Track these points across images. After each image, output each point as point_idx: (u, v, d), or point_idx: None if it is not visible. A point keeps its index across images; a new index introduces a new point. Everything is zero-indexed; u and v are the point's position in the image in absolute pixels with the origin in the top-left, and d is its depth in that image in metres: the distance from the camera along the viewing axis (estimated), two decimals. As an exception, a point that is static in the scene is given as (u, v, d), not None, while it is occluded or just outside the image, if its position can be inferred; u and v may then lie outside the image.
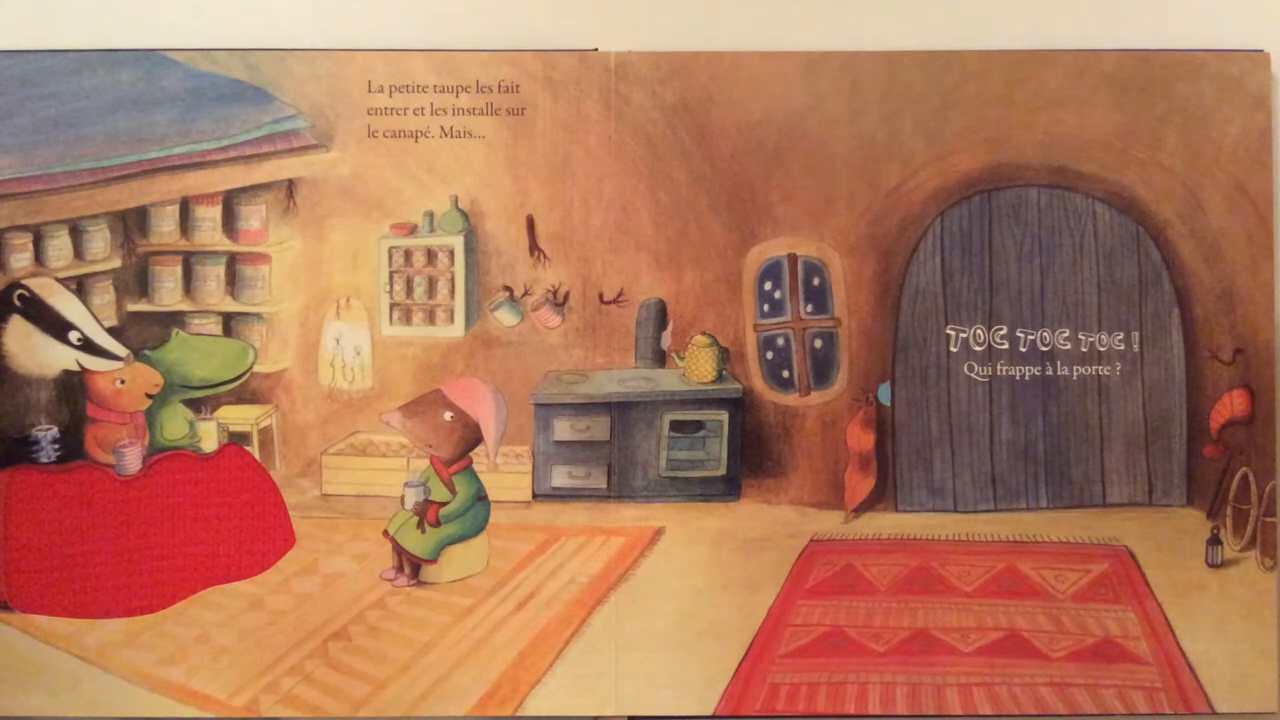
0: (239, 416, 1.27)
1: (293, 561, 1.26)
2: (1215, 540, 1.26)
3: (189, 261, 1.29)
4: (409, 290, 1.28)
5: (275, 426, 1.27)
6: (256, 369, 1.27)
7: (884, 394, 1.27)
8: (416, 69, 1.26)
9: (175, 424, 1.27)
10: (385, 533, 1.27)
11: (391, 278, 1.28)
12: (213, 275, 1.29)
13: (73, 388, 1.26)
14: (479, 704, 1.23)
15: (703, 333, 1.28)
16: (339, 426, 1.27)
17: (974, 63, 1.26)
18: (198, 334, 1.28)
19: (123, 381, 1.27)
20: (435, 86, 1.26)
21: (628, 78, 1.26)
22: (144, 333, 1.27)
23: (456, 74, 1.26)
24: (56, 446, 1.26)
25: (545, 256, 1.27)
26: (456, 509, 1.28)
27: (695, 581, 1.26)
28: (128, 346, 1.27)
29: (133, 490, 1.26)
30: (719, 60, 1.26)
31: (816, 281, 1.28)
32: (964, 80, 1.26)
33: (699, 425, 1.28)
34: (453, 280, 1.28)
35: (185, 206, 1.28)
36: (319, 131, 1.26)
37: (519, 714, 1.23)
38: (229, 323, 1.28)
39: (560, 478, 1.28)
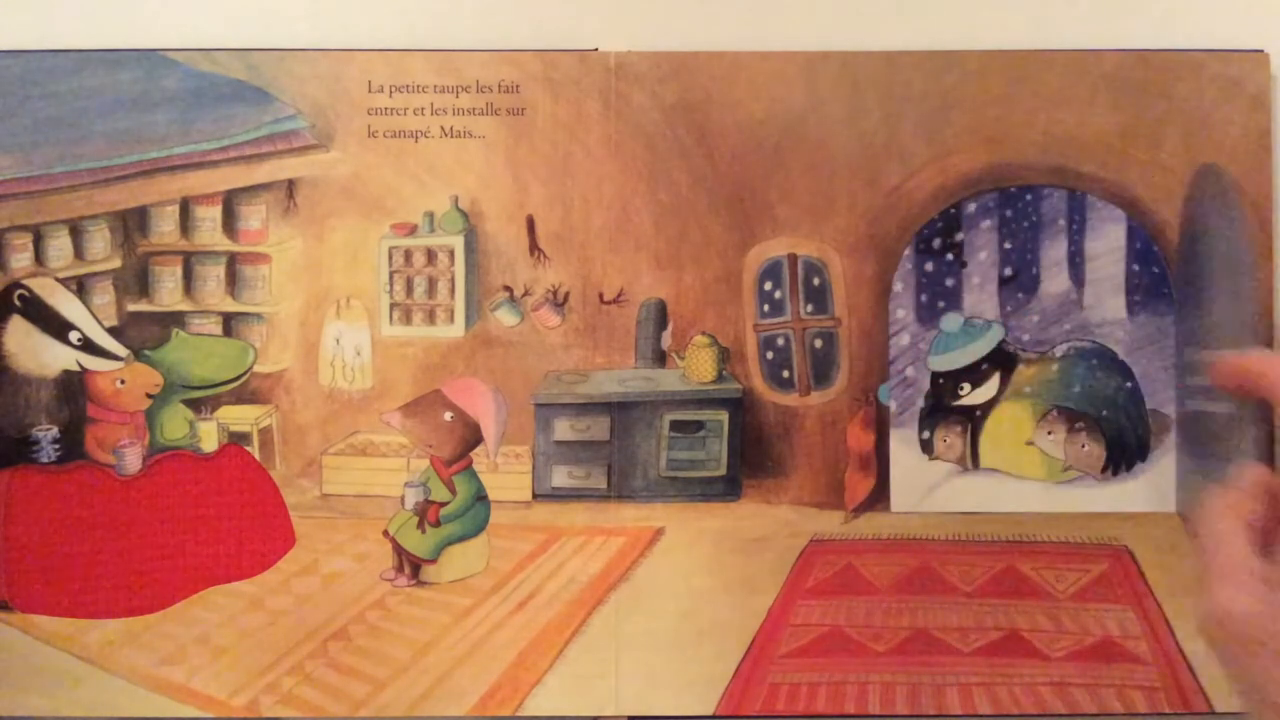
0: (239, 416, 1.27)
1: (293, 561, 1.26)
2: (1215, 540, 1.26)
3: (189, 261, 1.28)
4: (409, 290, 1.28)
5: (275, 426, 1.27)
6: (256, 369, 1.27)
7: (884, 394, 1.27)
8: (416, 69, 1.26)
9: (175, 424, 1.27)
10: (385, 533, 1.27)
11: (391, 278, 1.28)
12: (213, 275, 1.28)
13: (73, 388, 1.26)
14: (479, 704, 1.23)
15: (703, 333, 1.27)
16: (339, 426, 1.27)
17: (974, 63, 1.26)
18: (198, 334, 1.28)
19: (123, 381, 1.26)
20: (435, 86, 1.26)
21: (628, 78, 1.26)
22: (144, 333, 1.27)
23: (456, 74, 1.26)
24: (56, 446, 1.26)
25: (545, 256, 1.27)
26: (456, 509, 1.28)
27: (695, 581, 1.26)
28: (128, 346, 1.27)
29: (133, 490, 1.26)
30: (719, 60, 1.26)
31: (816, 281, 1.28)
32: (964, 80, 1.26)
33: (699, 425, 1.28)
34: (453, 280, 1.28)
35: (185, 206, 1.28)
36: (319, 131, 1.26)
37: (519, 714, 1.23)
38: (229, 323, 1.28)
39: (560, 478, 1.28)
